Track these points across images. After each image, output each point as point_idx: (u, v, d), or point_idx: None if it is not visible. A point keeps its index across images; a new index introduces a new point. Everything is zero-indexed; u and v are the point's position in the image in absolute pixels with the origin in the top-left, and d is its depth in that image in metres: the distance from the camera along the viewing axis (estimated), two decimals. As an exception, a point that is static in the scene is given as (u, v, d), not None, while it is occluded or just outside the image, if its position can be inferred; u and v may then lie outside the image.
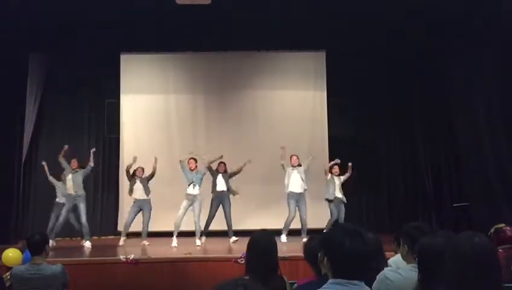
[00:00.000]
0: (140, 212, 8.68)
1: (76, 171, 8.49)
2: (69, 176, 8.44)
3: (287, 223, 8.50)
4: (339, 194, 8.71)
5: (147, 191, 8.68)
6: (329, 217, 8.68)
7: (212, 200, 8.67)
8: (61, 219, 8.30)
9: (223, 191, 8.67)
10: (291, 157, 8.69)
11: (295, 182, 8.53)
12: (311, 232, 8.20)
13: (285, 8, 8.40)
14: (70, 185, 8.39)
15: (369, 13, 8.37)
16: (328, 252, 2.04)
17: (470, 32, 8.47)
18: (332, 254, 2.01)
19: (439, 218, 9.57)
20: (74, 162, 8.59)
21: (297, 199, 8.51)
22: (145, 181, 8.71)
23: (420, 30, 8.79)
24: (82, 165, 8.63)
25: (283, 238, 8.31)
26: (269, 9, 8.43)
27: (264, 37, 9.51)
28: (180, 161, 8.53)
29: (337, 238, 2.00)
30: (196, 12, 8.36)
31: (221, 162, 8.82)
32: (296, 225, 8.56)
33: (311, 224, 8.50)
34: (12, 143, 9.36)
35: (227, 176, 8.79)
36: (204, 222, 8.57)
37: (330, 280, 2.00)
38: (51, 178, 8.83)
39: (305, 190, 8.56)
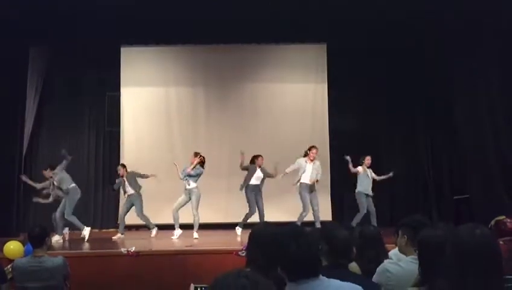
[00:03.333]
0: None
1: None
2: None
3: (301, 219, 8.34)
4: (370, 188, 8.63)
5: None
6: (360, 211, 8.52)
7: (247, 193, 8.56)
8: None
9: (257, 184, 8.57)
10: (310, 149, 8.49)
11: (309, 173, 8.41)
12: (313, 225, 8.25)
13: (286, 0, 8.37)
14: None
15: (370, 6, 8.34)
16: (279, 258, 2.08)
17: (470, 25, 8.44)
18: (282, 259, 2.05)
19: (439, 210, 9.58)
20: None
21: (310, 190, 8.42)
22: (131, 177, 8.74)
23: (421, 22, 8.76)
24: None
25: None
26: (270, 2, 8.39)
27: (265, 29, 9.46)
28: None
29: (283, 244, 2.04)
30: (196, 4, 8.34)
31: (259, 156, 8.66)
32: (308, 217, 8.51)
33: (311, 217, 8.50)
34: (13, 136, 9.36)
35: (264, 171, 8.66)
36: (202, 215, 8.52)
37: (288, 284, 2.03)
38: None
39: (317, 181, 8.48)
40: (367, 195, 8.55)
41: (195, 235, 8.22)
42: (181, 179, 8.39)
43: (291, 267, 2.00)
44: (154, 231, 8.54)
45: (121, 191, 10.05)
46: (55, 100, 10.40)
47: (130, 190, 8.67)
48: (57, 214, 8.25)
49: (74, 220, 8.29)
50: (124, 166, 8.86)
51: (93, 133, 10.70)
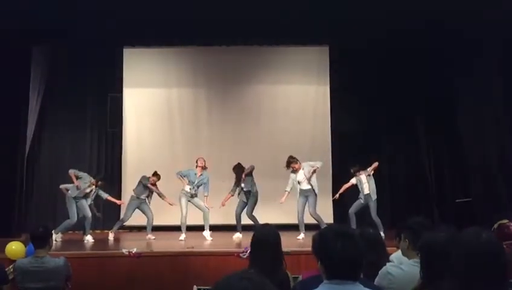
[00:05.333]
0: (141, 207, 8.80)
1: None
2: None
3: (299, 220, 8.43)
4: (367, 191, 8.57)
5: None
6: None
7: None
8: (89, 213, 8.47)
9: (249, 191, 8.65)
10: (290, 164, 8.46)
11: (301, 180, 8.40)
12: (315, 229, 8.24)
13: (288, 2, 8.37)
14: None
15: (372, 8, 8.34)
16: (320, 255, 2.05)
17: (473, 26, 8.44)
18: (325, 257, 2.02)
19: (441, 213, 9.56)
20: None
21: (306, 195, 8.40)
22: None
23: (423, 24, 8.75)
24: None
25: (301, 235, 8.24)
26: (272, 4, 8.40)
27: (267, 31, 9.46)
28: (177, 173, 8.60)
29: (328, 242, 2.01)
30: (199, 6, 8.35)
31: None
32: (308, 220, 8.52)
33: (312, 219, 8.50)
34: (15, 137, 9.36)
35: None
36: (211, 214, 8.57)
37: (324, 281, 2.01)
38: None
39: (313, 188, 8.43)
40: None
41: (208, 236, 8.30)
42: (194, 185, 8.47)
43: (333, 266, 1.99)
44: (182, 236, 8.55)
45: (123, 190, 10.15)
46: (58, 101, 10.40)
47: (144, 195, 8.77)
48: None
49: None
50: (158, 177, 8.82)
51: (95, 134, 10.71)
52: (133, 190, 8.82)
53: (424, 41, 9.26)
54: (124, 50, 10.43)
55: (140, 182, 8.74)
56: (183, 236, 8.22)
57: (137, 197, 8.71)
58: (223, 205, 8.69)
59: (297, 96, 10.57)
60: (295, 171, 8.45)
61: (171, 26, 9.19)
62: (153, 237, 8.48)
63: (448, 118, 9.60)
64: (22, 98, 9.42)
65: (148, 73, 10.59)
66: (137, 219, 8.89)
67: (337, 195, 8.85)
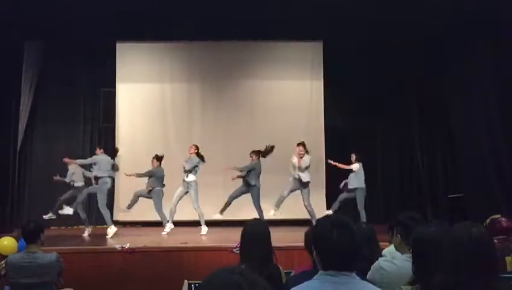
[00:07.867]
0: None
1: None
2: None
3: (281, 198, 8.44)
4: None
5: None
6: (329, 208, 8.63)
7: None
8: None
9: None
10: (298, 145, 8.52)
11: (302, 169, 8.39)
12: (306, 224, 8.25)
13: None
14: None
15: (367, 4, 8.33)
16: (317, 246, 2.04)
17: (468, 26, 8.46)
18: (321, 247, 2.01)
19: (434, 209, 9.61)
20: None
21: (300, 185, 8.42)
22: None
23: (419, 21, 8.76)
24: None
25: (272, 212, 8.31)
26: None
27: (261, 26, 9.45)
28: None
29: (324, 232, 2.00)
30: (193, 1, 8.32)
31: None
32: (302, 215, 8.56)
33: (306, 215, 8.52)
34: (8, 131, 9.32)
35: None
36: (204, 208, 8.54)
37: (320, 272, 2.00)
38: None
39: (308, 181, 8.46)
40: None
41: (204, 229, 8.22)
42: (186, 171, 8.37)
43: (328, 255, 1.98)
44: (168, 227, 8.36)
45: (116, 185, 10.10)
46: (50, 96, 10.34)
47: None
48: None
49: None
50: (158, 158, 8.68)
51: (89, 129, 10.66)
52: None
53: (419, 38, 9.28)
54: (117, 44, 10.36)
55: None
56: (168, 226, 8.14)
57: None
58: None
59: (291, 92, 10.57)
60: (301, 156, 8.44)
61: (164, 20, 9.15)
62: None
63: (442, 114, 9.64)
64: (14, 92, 9.37)
65: (142, 68, 10.54)
66: (131, 214, 8.85)
67: (333, 162, 8.79)
